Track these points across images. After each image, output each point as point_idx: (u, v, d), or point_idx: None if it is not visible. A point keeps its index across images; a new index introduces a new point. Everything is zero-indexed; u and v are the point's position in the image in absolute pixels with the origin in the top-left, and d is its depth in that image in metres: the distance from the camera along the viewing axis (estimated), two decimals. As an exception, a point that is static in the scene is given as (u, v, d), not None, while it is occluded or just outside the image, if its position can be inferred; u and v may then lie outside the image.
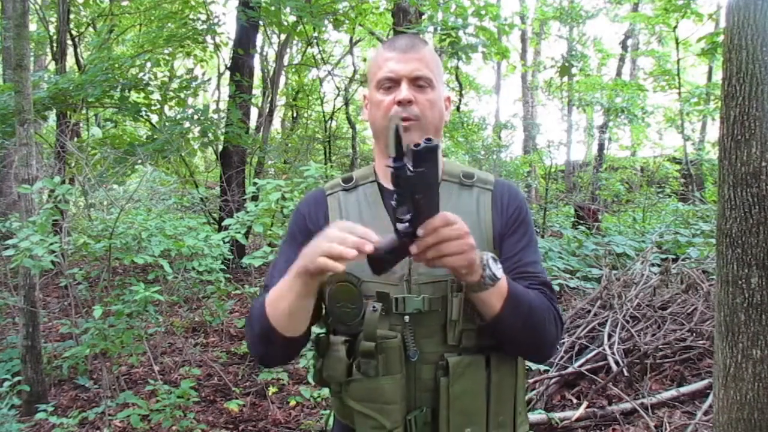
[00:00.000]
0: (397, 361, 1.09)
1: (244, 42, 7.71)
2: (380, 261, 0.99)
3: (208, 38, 8.18)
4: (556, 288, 4.76)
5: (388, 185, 1.20)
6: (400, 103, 1.14)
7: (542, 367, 3.57)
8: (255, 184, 4.24)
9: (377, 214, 1.17)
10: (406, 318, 1.10)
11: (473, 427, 1.11)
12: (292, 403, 3.67)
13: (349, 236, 0.95)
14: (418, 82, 1.15)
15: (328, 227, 1.00)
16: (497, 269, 1.03)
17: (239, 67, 7.63)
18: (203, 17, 8.23)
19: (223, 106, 10.40)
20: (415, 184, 0.90)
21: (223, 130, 7.47)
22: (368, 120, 1.22)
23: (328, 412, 1.33)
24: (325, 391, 3.30)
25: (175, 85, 7.76)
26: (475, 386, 1.10)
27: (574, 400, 3.37)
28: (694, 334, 3.78)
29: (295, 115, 12.86)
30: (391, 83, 1.16)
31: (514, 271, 1.14)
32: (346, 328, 1.12)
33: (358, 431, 1.13)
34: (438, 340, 1.11)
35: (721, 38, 3.94)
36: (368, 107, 1.22)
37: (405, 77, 1.15)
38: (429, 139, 0.89)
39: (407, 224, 0.95)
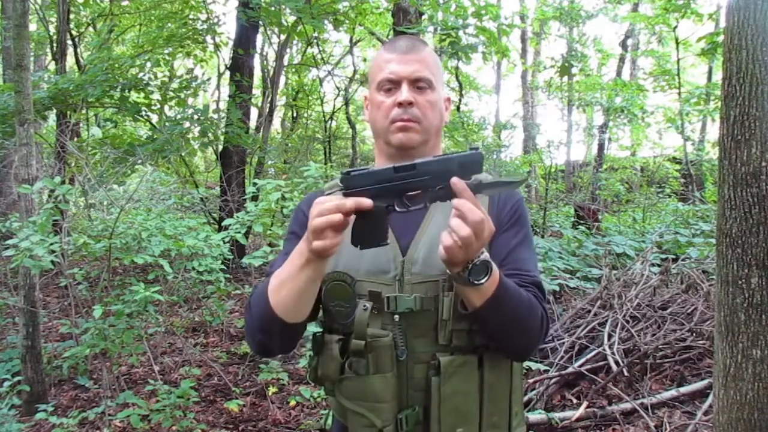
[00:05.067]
0: (387, 360, 1.09)
1: (244, 42, 7.71)
2: (358, 231, 1.01)
3: (208, 38, 8.18)
4: (556, 288, 4.76)
5: None
6: (400, 104, 1.14)
7: (542, 367, 3.57)
8: (255, 184, 4.24)
9: None
10: (396, 317, 1.10)
11: (465, 427, 1.11)
12: (292, 403, 3.67)
13: (326, 205, 0.96)
14: (418, 84, 1.16)
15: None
16: (479, 277, 0.99)
17: (239, 67, 7.63)
18: (203, 17, 8.23)
19: (223, 106, 10.40)
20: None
21: (223, 130, 7.47)
22: (369, 121, 1.23)
23: (327, 411, 1.34)
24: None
25: (175, 85, 7.75)
26: (468, 386, 1.10)
27: (574, 400, 3.37)
28: (694, 334, 3.77)
29: (295, 115, 12.86)
30: (391, 85, 1.16)
31: (506, 267, 1.13)
32: (340, 326, 1.12)
33: (351, 429, 1.13)
34: (430, 340, 1.11)
35: (721, 38, 3.94)
36: (369, 108, 1.23)
37: (405, 79, 1.15)
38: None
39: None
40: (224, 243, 4.10)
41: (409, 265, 1.12)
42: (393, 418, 1.10)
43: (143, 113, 7.24)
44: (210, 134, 7.52)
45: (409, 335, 1.11)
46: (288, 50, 11.38)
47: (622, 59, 13.67)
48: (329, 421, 1.29)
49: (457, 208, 0.95)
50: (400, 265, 1.12)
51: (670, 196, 10.53)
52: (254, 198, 4.45)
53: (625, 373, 3.42)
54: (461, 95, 10.66)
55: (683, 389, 3.28)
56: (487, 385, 1.12)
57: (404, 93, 1.14)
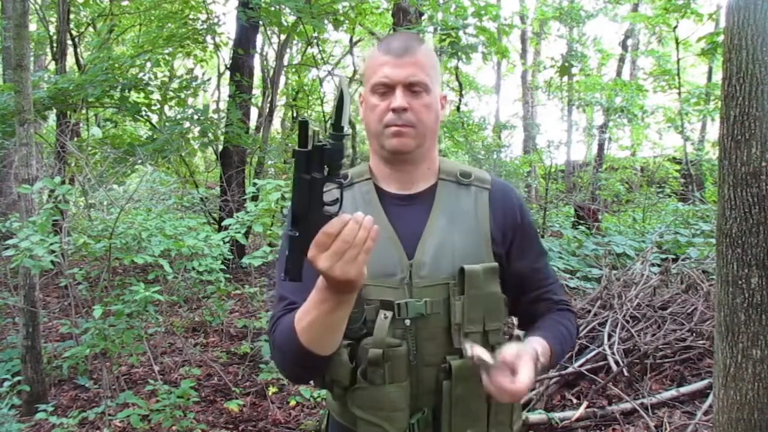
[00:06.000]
0: (403, 369, 1.08)
1: (244, 42, 7.70)
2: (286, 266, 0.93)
3: (208, 38, 8.17)
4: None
5: (386, 186, 1.19)
6: (395, 110, 1.11)
7: (542, 367, 3.56)
8: (255, 184, 4.24)
9: (373, 213, 1.13)
10: (407, 322, 1.09)
11: (475, 427, 1.11)
12: (292, 403, 3.67)
13: (358, 235, 0.89)
14: (413, 88, 1.12)
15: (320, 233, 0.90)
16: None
17: (239, 67, 7.63)
18: (203, 17, 8.22)
19: (223, 106, 10.40)
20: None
21: (223, 130, 7.47)
22: (363, 120, 1.21)
23: (325, 412, 1.33)
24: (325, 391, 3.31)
25: (175, 85, 7.75)
26: (478, 388, 1.10)
27: (574, 400, 3.36)
28: (694, 334, 3.77)
29: (295, 115, 12.84)
30: (385, 89, 1.13)
31: (542, 295, 1.22)
32: (349, 331, 1.10)
33: None
34: (440, 343, 1.11)
35: (721, 38, 3.94)
36: (364, 107, 1.20)
37: (400, 83, 1.12)
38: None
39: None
40: (224, 243, 4.09)
41: (417, 268, 1.11)
42: (407, 424, 1.09)
43: (143, 113, 7.23)
44: (210, 134, 7.52)
45: (418, 339, 1.10)
46: (288, 50, 11.38)
47: (622, 59, 13.67)
48: (325, 422, 1.28)
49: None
50: (407, 269, 1.11)
51: (670, 196, 10.53)
52: (254, 198, 4.45)
53: (625, 373, 3.42)
54: (461, 95, 10.65)
55: (683, 389, 3.27)
56: None
57: (398, 99, 1.11)
